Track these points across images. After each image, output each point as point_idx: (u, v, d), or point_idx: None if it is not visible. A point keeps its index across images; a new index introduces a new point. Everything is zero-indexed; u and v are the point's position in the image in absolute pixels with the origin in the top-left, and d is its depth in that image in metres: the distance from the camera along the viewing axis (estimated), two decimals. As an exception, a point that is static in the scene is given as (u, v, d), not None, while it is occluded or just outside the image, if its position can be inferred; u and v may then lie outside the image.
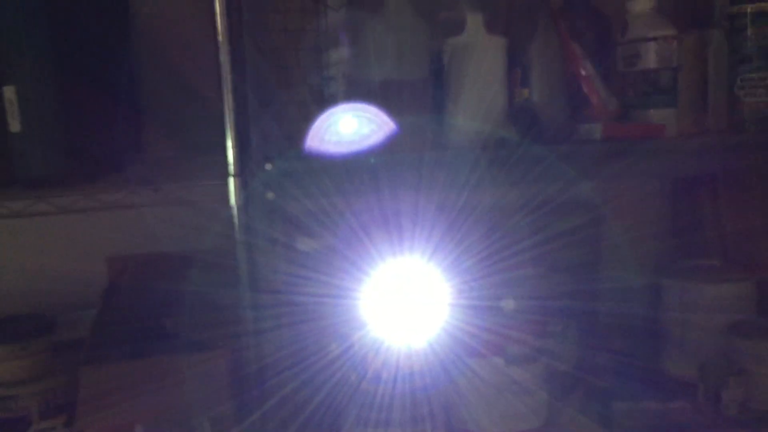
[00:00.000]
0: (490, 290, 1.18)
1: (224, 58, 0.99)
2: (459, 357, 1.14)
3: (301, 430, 1.08)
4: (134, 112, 1.33)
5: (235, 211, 1.04)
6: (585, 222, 1.36)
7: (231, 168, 1.03)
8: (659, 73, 1.18)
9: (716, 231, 1.43)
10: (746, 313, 1.29)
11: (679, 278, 1.32)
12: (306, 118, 1.15)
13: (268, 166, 1.03)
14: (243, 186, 1.03)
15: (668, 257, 1.43)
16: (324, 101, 1.16)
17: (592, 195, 1.38)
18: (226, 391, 1.06)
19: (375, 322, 1.12)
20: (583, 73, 1.19)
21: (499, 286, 1.18)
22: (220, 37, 0.99)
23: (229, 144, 1.02)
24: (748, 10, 1.18)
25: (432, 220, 1.20)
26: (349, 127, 1.11)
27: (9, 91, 1.04)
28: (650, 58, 1.18)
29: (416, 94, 1.17)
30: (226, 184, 1.03)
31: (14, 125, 1.05)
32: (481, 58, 1.15)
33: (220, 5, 0.99)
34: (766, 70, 1.19)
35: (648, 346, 1.35)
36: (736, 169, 1.30)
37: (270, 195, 1.04)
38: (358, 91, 1.15)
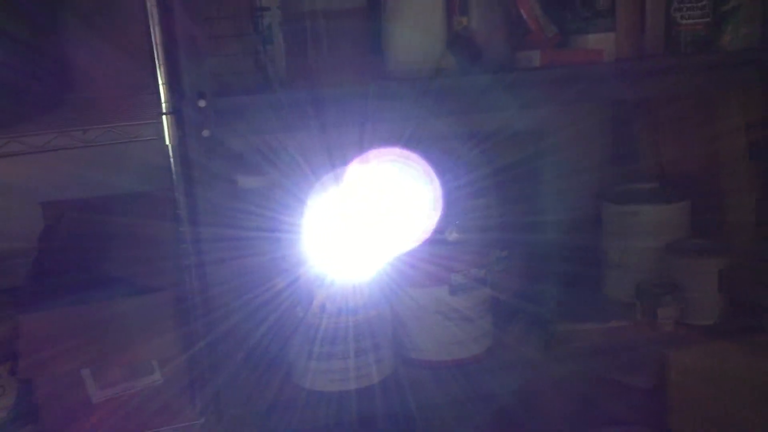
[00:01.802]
0: (434, 221, 1.19)
1: (149, -11, 0.95)
2: (403, 288, 1.15)
3: (246, 364, 1.09)
4: (60, 50, 1.27)
5: (170, 150, 1.01)
6: (527, 152, 1.36)
7: (164, 106, 1.00)
8: (597, -3, 1.18)
9: (654, 155, 1.46)
10: (683, 233, 1.33)
11: (618, 202, 1.35)
12: (242, 52, 1.12)
13: (202, 103, 1.00)
14: (177, 124, 1.01)
15: (609, 183, 1.45)
16: (260, 33, 1.13)
17: (533, 124, 1.38)
18: (171, 331, 1.06)
19: (319, 256, 1.12)
20: (522, -2, 1.18)
21: (442, 217, 1.19)
22: (142, -33, 0.95)
23: (160, 81, 0.99)
24: (685, -69, 1.18)
25: (375, 152, 1.19)
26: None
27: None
28: (589, -19, 1.17)
29: (353, 24, 1.14)
30: (159, 123, 1.01)
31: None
32: (418, -16, 1.12)
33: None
34: (702, -9, 1.19)
35: (590, 272, 1.38)
36: (672, 93, 1.31)
37: (206, 132, 1.02)
38: (293, 23, 1.12)
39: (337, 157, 1.17)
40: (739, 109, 1.31)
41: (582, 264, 1.34)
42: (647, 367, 1.26)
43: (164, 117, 1.00)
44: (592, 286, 1.38)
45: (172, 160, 1.02)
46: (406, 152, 1.19)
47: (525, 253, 1.33)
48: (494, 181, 1.29)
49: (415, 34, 1.13)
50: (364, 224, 1.13)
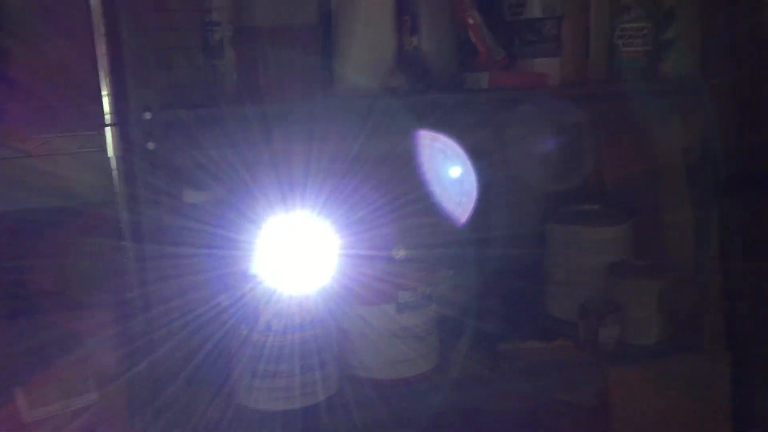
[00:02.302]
0: (382, 239, 1.19)
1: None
2: (350, 305, 1.15)
3: (189, 383, 1.06)
4: (1, 58, 1.24)
5: (113, 163, 0.99)
6: (475, 170, 1.38)
7: (107, 117, 0.98)
8: (543, 22, 1.20)
9: (597, 176, 1.49)
10: (624, 253, 1.36)
11: (562, 222, 1.38)
12: (191, 65, 1.11)
13: (147, 115, 0.98)
14: (121, 136, 0.99)
15: (554, 203, 1.47)
16: (210, 48, 1.12)
17: (481, 143, 1.40)
18: (110, 347, 1.03)
19: (266, 273, 1.11)
20: (471, 21, 1.20)
21: (390, 235, 1.19)
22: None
23: (105, 92, 0.97)
24: (628, -41, 1.22)
25: (323, 169, 1.19)
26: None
27: None
28: (535, 7, 1.20)
29: (304, 41, 1.14)
30: (102, 135, 0.99)
31: None
32: (368, 3, 1.13)
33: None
34: (643, 20, 1.23)
35: (534, 290, 1.40)
36: (614, 117, 1.34)
37: (151, 145, 1.00)
38: (244, 38, 1.12)
39: (283, 173, 1.17)
40: (678, 133, 1.35)
41: (528, 282, 1.36)
42: (590, 385, 1.27)
43: (108, 129, 0.98)
44: (538, 304, 1.40)
45: (115, 173, 0.99)
46: (353, 168, 1.19)
47: (472, 270, 1.34)
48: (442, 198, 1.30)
49: (364, 52, 1.14)
50: (311, 241, 1.12)
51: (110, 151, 0.99)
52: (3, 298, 1.05)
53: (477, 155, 1.38)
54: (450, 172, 1.31)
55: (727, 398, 1.28)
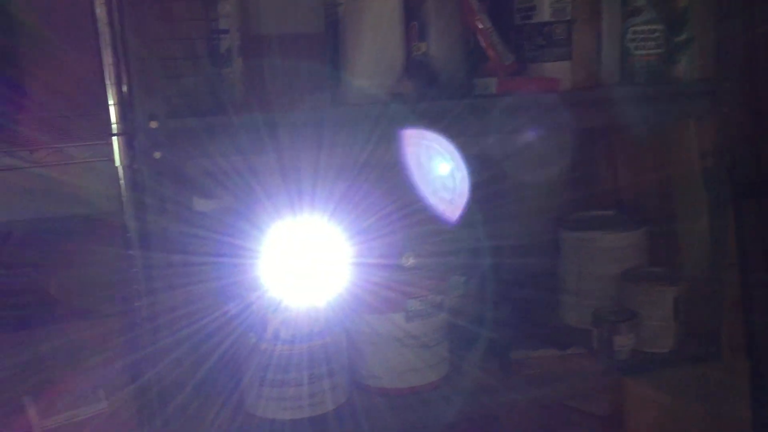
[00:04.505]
0: (391, 247, 1.18)
1: (101, 9, 0.94)
2: (359, 314, 1.14)
3: (197, 392, 1.06)
4: (14, 69, 1.25)
5: (120, 172, 0.99)
6: (486, 177, 1.37)
7: (114, 127, 0.98)
8: (554, 25, 1.19)
9: (610, 183, 1.47)
10: (638, 261, 1.34)
11: (575, 229, 1.36)
12: (198, 74, 1.11)
13: (154, 124, 0.98)
14: (128, 145, 0.99)
15: (567, 210, 1.45)
16: (217, 56, 1.12)
17: (492, 150, 1.39)
18: (119, 357, 1.03)
19: (274, 282, 1.10)
20: (480, 26, 1.19)
21: (400, 243, 1.18)
22: (95, -13, 0.94)
23: (111, 101, 0.98)
24: (639, -39, 1.20)
25: (331, 177, 1.18)
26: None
27: None
28: (545, 11, 1.19)
29: (311, 49, 1.14)
30: (110, 144, 0.99)
31: None
32: (376, 10, 1.13)
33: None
34: (656, 22, 1.22)
35: (547, 298, 1.38)
36: (628, 122, 1.32)
37: (157, 154, 1.00)
38: (252, 46, 1.12)
39: (291, 181, 1.16)
40: (693, 137, 1.33)
41: (540, 289, 1.34)
42: (603, 394, 1.26)
43: (114, 138, 0.98)
44: (550, 312, 1.38)
45: (122, 182, 1.00)
46: (362, 176, 1.18)
47: (483, 278, 1.32)
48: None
49: (372, 59, 1.13)
50: (320, 249, 1.12)
51: (117, 160, 0.99)
52: (12, 307, 1.05)
53: (487, 162, 1.37)
54: (459, 179, 1.30)
55: (746, 409, 1.25)
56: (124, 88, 0.98)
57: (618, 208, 1.44)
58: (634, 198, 1.45)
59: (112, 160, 0.99)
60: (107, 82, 0.97)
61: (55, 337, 1.01)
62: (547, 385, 1.22)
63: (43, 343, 1.01)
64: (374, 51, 1.13)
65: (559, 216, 1.44)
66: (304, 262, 1.11)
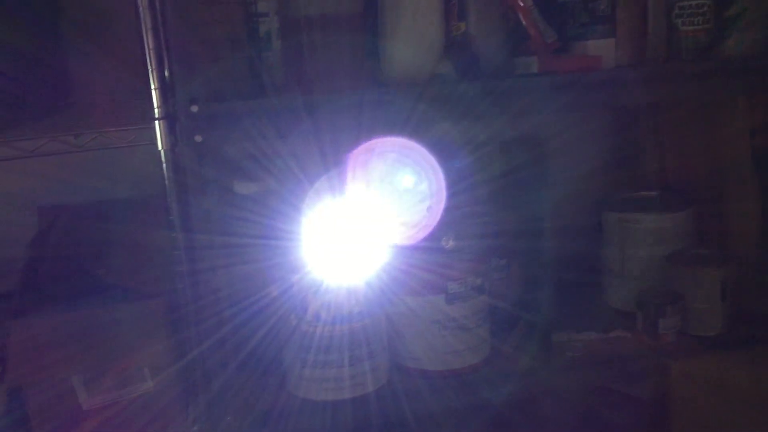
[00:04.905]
0: (432, 229, 1.17)
1: (141, -6, 0.95)
2: (399, 296, 1.14)
3: (240, 372, 1.07)
4: (58, 57, 1.27)
5: (162, 156, 1.01)
6: (527, 158, 1.35)
7: (156, 111, 0.99)
8: (597, 2, 1.16)
9: (656, 162, 1.44)
10: (685, 242, 1.31)
11: (619, 210, 1.33)
12: (236, 57, 1.11)
13: (195, 108, 0.99)
14: (169, 130, 1.00)
15: (611, 191, 1.43)
16: (257, 39, 1.12)
17: (534, 131, 1.37)
18: (164, 339, 1.04)
19: (315, 263, 1.11)
20: (521, 4, 1.16)
21: (440, 225, 1.17)
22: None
23: (152, 86, 0.99)
24: (686, -65, 1.17)
25: (372, 159, 1.18)
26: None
27: None
28: (588, -13, 1.16)
29: (350, 30, 1.13)
30: (153, 129, 1.00)
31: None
32: (415, -10, 1.11)
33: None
34: (703, -3, 1.18)
35: (590, 280, 1.36)
36: (674, 100, 1.29)
37: (198, 138, 1.01)
38: (291, 28, 1.11)
39: (332, 163, 1.16)
40: (743, 114, 1.29)
41: (582, 272, 1.33)
42: (648, 377, 1.24)
43: (156, 122, 0.99)
44: (592, 295, 1.36)
45: (164, 165, 1.01)
46: (402, 159, 1.17)
47: (524, 260, 1.31)
48: (493, 188, 1.27)
49: (411, 40, 1.12)
50: (360, 231, 1.12)
51: (159, 144, 1.00)
52: (60, 289, 1.08)
53: (529, 142, 1.35)
54: (500, 159, 1.29)
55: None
56: (166, 73, 0.99)
57: (664, 189, 1.41)
58: (680, 178, 1.41)
59: (155, 144, 1.00)
60: (149, 66, 0.98)
61: (103, 319, 1.03)
62: (590, 369, 1.20)
63: (91, 325, 1.02)
64: (413, 31, 1.12)
65: (603, 196, 1.41)
66: (344, 244, 1.12)
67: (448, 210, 1.18)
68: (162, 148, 1.00)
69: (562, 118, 1.37)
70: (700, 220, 1.33)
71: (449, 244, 1.16)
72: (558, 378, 1.19)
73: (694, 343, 1.23)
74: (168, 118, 0.99)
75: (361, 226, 1.12)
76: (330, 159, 1.18)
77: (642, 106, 1.39)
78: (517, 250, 1.29)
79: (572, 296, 1.33)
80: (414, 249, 1.14)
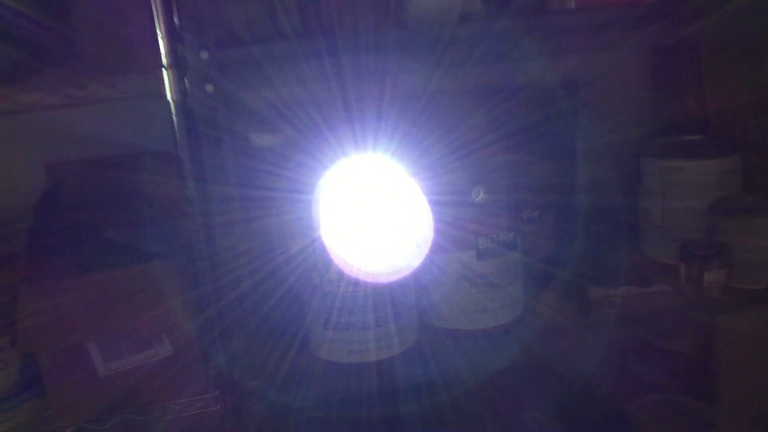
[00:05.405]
0: (461, 181, 1.11)
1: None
2: (426, 253, 1.08)
3: (259, 333, 1.03)
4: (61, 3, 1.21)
5: (172, 107, 0.95)
6: (561, 103, 1.27)
7: (164, 59, 0.93)
8: (639, -70, 1.07)
9: (698, 104, 1.35)
10: (730, 189, 1.23)
11: (659, 156, 1.25)
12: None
13: (205, 55, 0.93)
14: (178, 78, 0.94)
15: (650, 137, 1.35)
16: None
17: (567, 73, 1.29)
18: (179, 299, 1.00)
19: (337, 219, 1.05)
20: (556, -66, 1.08)
21: (470, 177, 1.11)
22: None
23: (159, 32, 0.92)
24: None
25: (396, 106, 1.11)
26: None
27: None
28: None
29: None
30: (161, 78, 0.94)
31: None
32: None
33: None
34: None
35: (628, 232, 1.29)
36: (717, 36, 1.20)
37: (209, 88, 0.94)
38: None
39: (354, 112, 1.10)
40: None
41: (619, 224, 1.26)
42: (691, 332, 1.18)
43: (164, 71, 0.93)
44: (631, 248, 1.29)
45: (174, 116, 0.95)
46: (429, 104, 1.10)
47: (558, 213, 1.24)
48: (524, 137, 1.20)
49: (436, -25, 1.04)
50: (384, 184, 1.06)
51: (168, 94, 0.94)
52: (75, 251, 1.03)
53: (563, 85, 1.26)
54: (532, 106, 1.21)
55: None
56: (175, 19, 0.92)
57: (708, 132, 1.32)
58: (724, 121, 1.33)
59: (164, 95, 0.95)
60: (155, 11, 0.92)
61: (115, 281, 0.99)
62: (629, 325, 1.15)
63: (103, 288, 0.98)
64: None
65: (642, 141, 1.33)
66: (367, 199, 1.05)
67: (478, 162, 1.11)
68: (170, 98, 0.94)
69: (600, 60, 1.28)
70: (746, 166, 1.25)
71: (480, 197, 1.09)
72: (594, 336, 1.14)
73: (741, 296, 1.16)
74: (177, 66, 0.93)
75: (385, 180, 1.06)
76: (353, 106, 1.11)
77: (684, 42, 1.30)
78: (550, 201, 1.22)
79: (609, 250, 1.26)
80: (442, 203, 1.08)
